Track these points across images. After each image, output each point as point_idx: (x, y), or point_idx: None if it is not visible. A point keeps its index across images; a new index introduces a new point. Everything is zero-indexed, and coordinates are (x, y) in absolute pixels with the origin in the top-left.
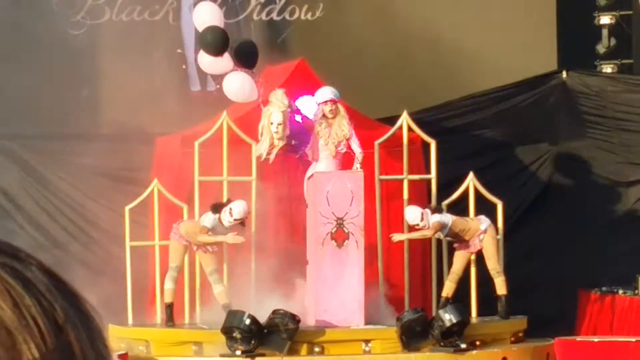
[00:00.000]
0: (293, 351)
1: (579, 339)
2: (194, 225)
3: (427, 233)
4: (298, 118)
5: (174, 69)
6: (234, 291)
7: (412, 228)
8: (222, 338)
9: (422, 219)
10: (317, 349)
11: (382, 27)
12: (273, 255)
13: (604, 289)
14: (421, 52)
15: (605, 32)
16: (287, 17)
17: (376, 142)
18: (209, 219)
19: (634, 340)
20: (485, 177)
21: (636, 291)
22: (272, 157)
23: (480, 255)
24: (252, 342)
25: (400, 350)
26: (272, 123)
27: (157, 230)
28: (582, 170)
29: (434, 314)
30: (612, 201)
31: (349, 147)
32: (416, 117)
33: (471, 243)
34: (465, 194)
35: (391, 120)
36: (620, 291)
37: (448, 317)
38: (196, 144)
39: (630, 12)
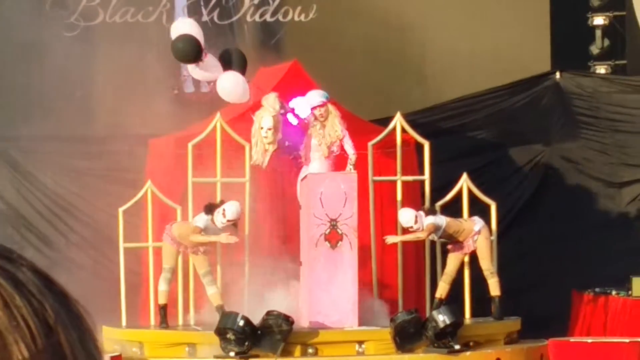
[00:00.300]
0: (287, 352)
1: (572, 339)
2: (186, 226)
3: (420, 235)
4: (292, 119)
5: (167, 70)
6: (228, 292)
7: (405, 230)
8: (216, 339)
9: (416, 222)
10: (310, 350)
11: (375, 29)
12: (266, 257)
13: (597, 289)
14: (414, 53)
15: (598, 33)
16: (281, 18)
17: (369, 144)
18: (201, 219)
19: (627, 341)
20: (479, 178)
21: (629, 292)
22: (265, 162)
23: (473, 256)
24: (246, 343)
25: (393, 352)
26: (262, 128)
27: (151, 232)
28: (575, 171)
29: (427, 315)
30: (606, 202)
31: (342, 148)
32: (409, 119)
33: (465, 244)
34: (458, 195)
35: (385, 121)
36: (614, 292)
37: (442, 318)
38: (189, 145)
39: (624, 13)
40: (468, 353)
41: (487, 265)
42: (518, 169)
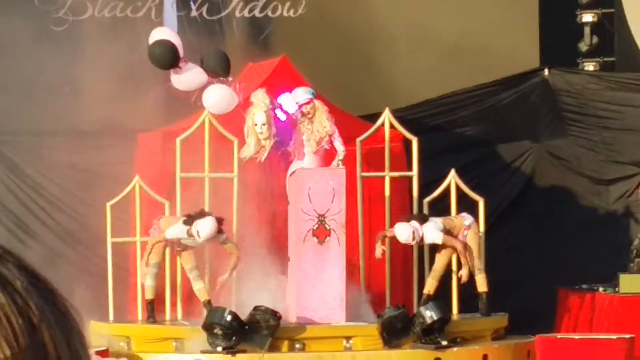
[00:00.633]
0: (274, 348)
1: (559, 336)
2: (175, 221)
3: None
4: (280, 115)
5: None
6: (215, 288)
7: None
8: (203, 334)
9: (414, 238)
10: (298, 346)
11: (364, 24)
12: (254, 252)
13: (584, 286)
14: (403, 49)
15: (587, 30)
16: (270, 14)
17: (358, 140)
18: (176, 230)
19: (614, 337)
20: (467, 175)
21: (616, 289)
22: (263, 156)
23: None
24: (233, 338)
25: (381, 347)
26: (256, 124)
27: (139, 227)
28: (563, 168)
29: (415, 311)
30: (593, 199)
31: (331, 144)
32: (398, 115)
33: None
34: (446, 191)
35: (373, 117)
36: (601, 289)
37: (429, 314)
38: (178, 140)
39: (612, 10)
40: (455, 349)
41: (475, 261)
42: (506, 166)
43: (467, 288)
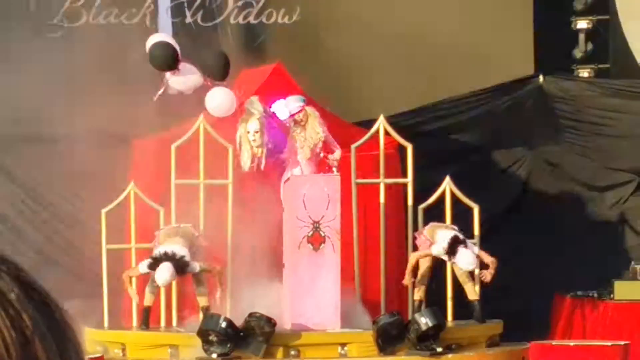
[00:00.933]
0: (269, 354)
1: (554, 343)
2: (172, 232)
3: None
4: (283, 114)
5: (151, 71)
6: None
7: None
8: (198, 341)
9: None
10: (293, 352)
11: (358, 31)
12: (249, 259)
13: (579, 293)
14: (397, 56)
15: (582, 36)
16: (264, 20)
17: (353, 146)
18: (144, 270)
19: (609, 344)
20: (462, 181)
21: (611, 295)
22: (262, 164)
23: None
24: (228, 345)
25: (376, 354)
26: (248, 132)
27: (134, 233)
28: (558, 175)
29: (410, 317)
30: (588, 205)
31: (325, 149)
32: (392, 121)
33: None
34: (441, 198)
35: (368, 123)
36: (596, 295)
37: (424, 321)
38: (172, 147)
39: (607, 17)
40: (450, 356)
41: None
42: (501, 172)
43: (463, 294)
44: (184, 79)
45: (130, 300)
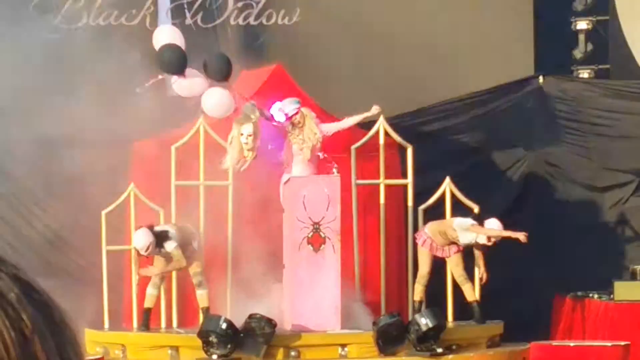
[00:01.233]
0: (269, 355)
1: (554, 343)
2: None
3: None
4: (280, 117)
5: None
6: (211, 296)
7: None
8: (199, 342)
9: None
10: (293, 353)
11: (359, 33)
12: (249, 260)
13: (579, 293)
14: (398, 57)
15: (582, 37)
16: (264, 21)
17: (352, 147)
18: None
19: (609, 344)
20: (462, 182)
21: (611, 296)
22: (244, 167)
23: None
24: (229, 346)
25: (376, 355)
26: (242, 134)
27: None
28: (558, 175)
29: (410, 318)
30: (588, 206)
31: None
32: (392, 122)
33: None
34: (441, 198)
35: (368, 125)
36: (596, 296)
37: (424, 322)
38: (172, 148)
39: (607, 18)
40: (450, 356)
41: (460, 271)
42: (501, 173)
43: (463, 295)
44: (189, 84)
45: (131, 301)
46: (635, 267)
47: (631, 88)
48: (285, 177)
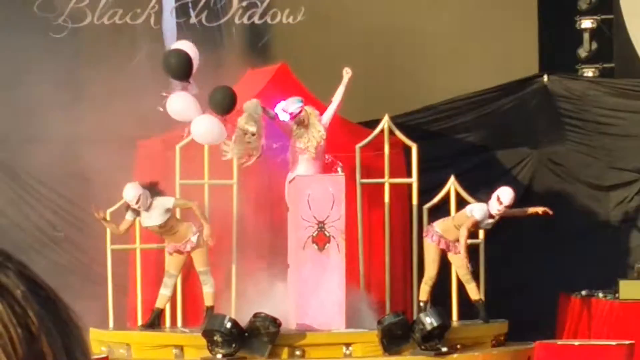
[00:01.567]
0: (274, 354)
1: (559, 342)
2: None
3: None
4: (284, 116)
5: (155, 72)
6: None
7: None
8: (203, 341)
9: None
10: (298, 352)
11: (363, 31)
12: (254, 259)
13: (584, 292)
14: (403, 56)
15: (586, 36)
16: (269, 21)
17: (357, 146)
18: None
19: (614, 343)
20: (467, 181)
21: (616, 295)
22: (247, 164)
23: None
24: (233, 345)
25: (381, 354)
26: (246, 133)
27: (138, 234)
28: (562, 174)
29: (414, 317)
30: (593, 205)
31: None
32: (397, 121)
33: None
34: (446, 197)
35: (373, 123)
36: (601, 295)
37: (429, 321)
38: (177, 147)
39: (612, 16)
40: (455, 355)
41: (464, 270)
42: (505, 172)
43: (467, 295)
44: (183, 110)
45: (135, 300)
46: None
47: (636, 87)
48: (290, 176)
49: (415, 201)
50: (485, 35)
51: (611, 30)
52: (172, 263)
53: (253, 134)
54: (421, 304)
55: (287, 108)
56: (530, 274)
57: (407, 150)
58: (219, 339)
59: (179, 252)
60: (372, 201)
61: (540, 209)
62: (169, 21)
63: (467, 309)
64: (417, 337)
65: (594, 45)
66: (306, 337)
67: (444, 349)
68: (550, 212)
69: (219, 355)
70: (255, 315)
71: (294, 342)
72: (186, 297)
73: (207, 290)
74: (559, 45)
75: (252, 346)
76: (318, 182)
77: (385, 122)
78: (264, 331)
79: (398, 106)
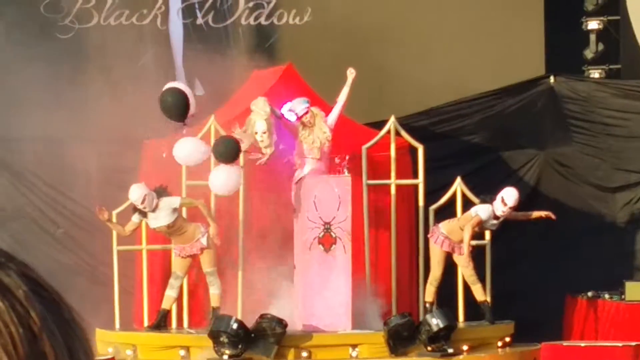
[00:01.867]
0: (280, 356)
1: (565, 343)
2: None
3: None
4: (291, 117)
5: (162, 72)
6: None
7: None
8: (209, 342)
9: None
10: (304, 354)
11: (370, 32)
12: (260, 260)
13: (590, 294)
14: (409, 57)
15: (593, 37)
16: (275, 21)
17: (363, 147)
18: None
19: (620, 345)
20: (473, 182)
21: (622, 296)
22: (261, 161)
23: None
24: (240, 346)
25: (387, 355)
26: (256, 132)
27: (145, 235)
28: (568, 176)
29: (421, 318)
30: (599, 206)
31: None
32: (404, 122)
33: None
34: (452, 199)
35: (379, 125)
36: (607, 296)
37: (435, 322)
38: None
39: (618, 17)
40: (461, 357)
41: (470, 271)
42: (512, 173)
43: (473, 296)
44: (187, 153)
45: (142, 301)
46: None
47: None
48: (296, 177)
49: (421, 202)
50: (492, 36)
51: (618, 31)
52: (178, 264)
53: (264, 132)
54: (427, 305)
55: (293, 109)
56: (536, 275)
57: (413, 151)
58: (225, 340)
59: (190, 256)
60: (378, 202)
61: (544, 213)
62: (176, 22)
63: (473, 310)
64: (424, 338)
65: (601, 47)
66: (312, 338)
67: (450, 350)
68: (554, 217)
69: (225, 357)
70: (262, 316)
71: (300, 343)
72: (192, 298)
73: (214, 292)
74: (566, 47)
75: (258, 347)
76: (324, 183)
77: (391, 123)
78: (270, 332)
79: (404, 107)
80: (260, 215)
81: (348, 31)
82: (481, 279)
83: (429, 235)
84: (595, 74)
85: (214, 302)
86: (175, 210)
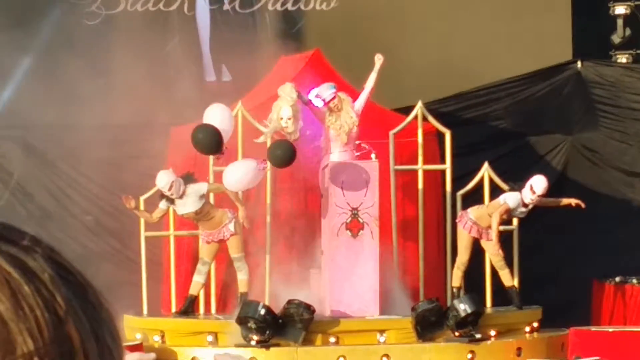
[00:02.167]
0: (308, 341)
1: (593, 329)
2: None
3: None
4: (318, 102)
5: (188, 59)
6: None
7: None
8: (237, 328)
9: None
10: (332, 339)
11: (396, 17)
12: (288, 246)
13: (617, 279)
14: (436, 43)
15: (620, 22)
16: (302, 7)
17: (391, 132)
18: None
19: None
20: (500, 168)
21: None
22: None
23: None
24: (267, 332)
25: (415, 341)
26: (281, 118)
27: (172, 221)
28: (596, 160)
29: (448, 304)
30: (626, 191)
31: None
32: (431, 108)
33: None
34: (480, 184)
35: (406, 110)
36: (634, 281)
37: (463, 307)
38: None
39: None
40: (489, 342)
41: (497, 257)
42: (539, 158)
43: (501, 281)
44: (240, 177)
45: (169, 287)
46: None
47: None
48: (323, 163)
49: (448, 188)
50: (519, 21)
51: None
52: (206, 250)
53: (289, 118)
54: (454, 290)
55: (320, 94)
56: (563, 260)
57: (441, 136)
58: (253, 326)
59: (218, 241)
60: (406, 188)
61: (573, 201)
62: (203, 8)
63: (501, 295)
64: (451, 324)
65: (628, 31)
66: (340, 324)
67: (478, 336)
68: (583, 206)
69: (253, 342)
70: (289, 302)
71: (328, 329)
72: (220, 284)
73: (242, 277)
74: (593, 32)
75: (286, 333)
76: (352, 169)
77: (418, 109)
78: (297, 318)
79: (431, 93)
80: (287, 201)
81: (374, 16)
82: (509, 264)
83: (457, 221)
84: (622, 58)
85: (242, 287)
86: (202, 196)
